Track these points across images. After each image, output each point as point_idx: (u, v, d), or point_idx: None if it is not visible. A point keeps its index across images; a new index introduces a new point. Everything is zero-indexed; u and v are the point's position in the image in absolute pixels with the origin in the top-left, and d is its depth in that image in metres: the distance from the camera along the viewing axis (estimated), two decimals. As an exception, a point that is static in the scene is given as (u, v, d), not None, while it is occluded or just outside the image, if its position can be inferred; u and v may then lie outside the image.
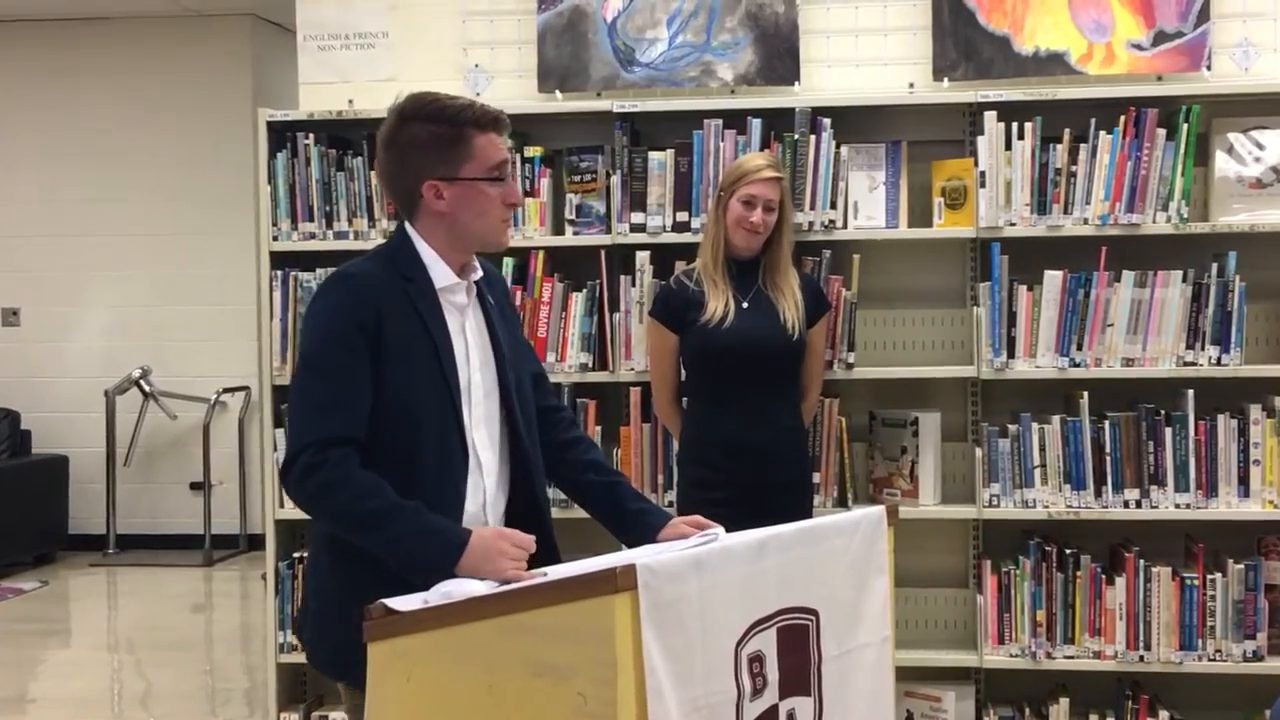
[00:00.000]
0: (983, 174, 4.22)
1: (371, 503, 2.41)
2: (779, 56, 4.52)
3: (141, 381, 8.92)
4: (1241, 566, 4.14)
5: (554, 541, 2.69)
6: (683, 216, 4.32)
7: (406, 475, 2.45)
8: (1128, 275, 4.16)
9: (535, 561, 2.46)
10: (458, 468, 2.53)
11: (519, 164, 4.39)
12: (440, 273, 2.58)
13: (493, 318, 2.67)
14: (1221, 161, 4.30)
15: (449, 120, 2.53)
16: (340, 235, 4.47)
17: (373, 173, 4.42)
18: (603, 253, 4.36)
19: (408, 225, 2.61)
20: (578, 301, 4.37)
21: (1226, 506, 4.16)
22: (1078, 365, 4.19)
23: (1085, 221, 4.21)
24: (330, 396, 2.45)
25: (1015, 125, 4.21)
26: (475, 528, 2.45)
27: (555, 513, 4.10)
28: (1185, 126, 4.15)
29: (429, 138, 2.53)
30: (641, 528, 2.65)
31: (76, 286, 9.21)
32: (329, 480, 2.42)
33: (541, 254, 4.37)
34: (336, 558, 2.55)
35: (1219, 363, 4.14)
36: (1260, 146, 4.29)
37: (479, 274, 2.67)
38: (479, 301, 2.67)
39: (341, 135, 4.56)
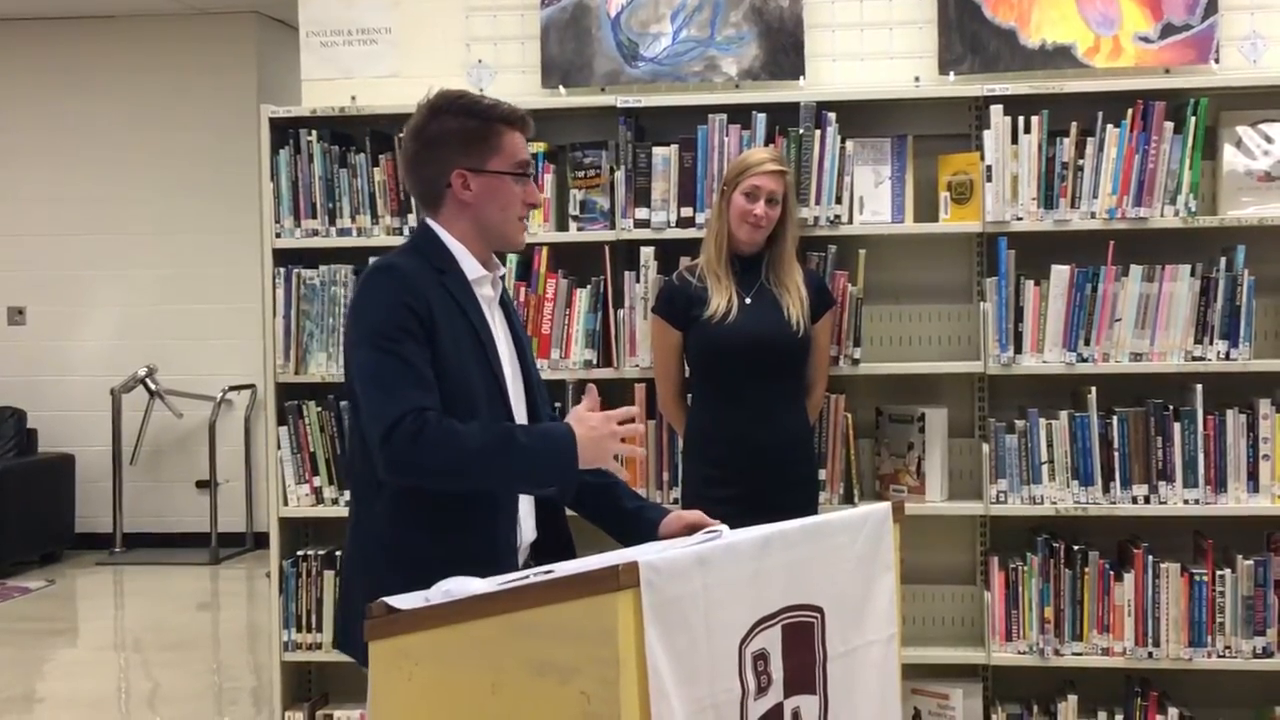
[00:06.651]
0: (989, 168, 4.20)
1: (486, 437, 2.46)
2: (784, 51, 4.49)
3: (147, 380, 8.91)
4: (1251, 562, 4.12)
5: (569, 536, 2.72)
6: (687, 212, 4.30)
7: None
8: (1135, 269, 4.14)
9: (551, 556, 2.52)
10: None
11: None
12: (470, 265, 2.62)
13: (513, 314, 2.74)
14: (1230, 155, 4.27)
15: (480, 115, 2.59)
16: (343, 232, 4.45)
17: (375, 168, 4.41)
18: (607, 249, 4.34)
19: (430, 220, 2.64)
20: (582, 298, 4.35)
21: (1235, 502, 4.14)
22: (1085, 360, 4.17)
23: (1092, 216, 4.19)
24: (406, 372, 2.46)
25: (1022, 119, 4.19)
26: (572, 421, 2.50)
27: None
28: (1193, 119, 4.13)
29: (459, 130, 2.58)
30: (641, 525, 2.65)
31: (82, 285, 9.21)
32: (440, 436, 2.42)
33: (545, 250, 4.35)
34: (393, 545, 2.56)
35: (1228, 357, 4.12)
36: (1269, 139, 4.26)
37: (503, 270, 2.72)
38: (500, 297, 2.72)
39: (344, 132, 4.54)
